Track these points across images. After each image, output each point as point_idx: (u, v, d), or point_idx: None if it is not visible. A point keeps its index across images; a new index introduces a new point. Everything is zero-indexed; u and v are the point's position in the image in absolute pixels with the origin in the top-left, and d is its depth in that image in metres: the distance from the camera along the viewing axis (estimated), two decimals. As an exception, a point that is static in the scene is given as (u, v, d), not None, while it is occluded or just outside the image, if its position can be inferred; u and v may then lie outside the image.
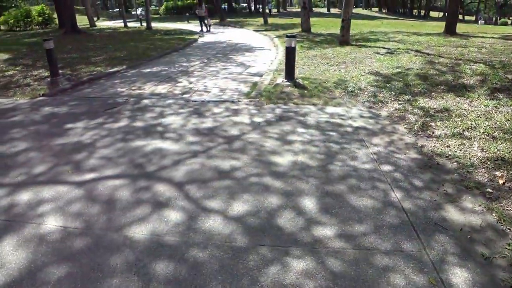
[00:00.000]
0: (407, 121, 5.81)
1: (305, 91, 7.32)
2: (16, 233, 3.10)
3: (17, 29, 27.77)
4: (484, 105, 6.33)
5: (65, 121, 5.96)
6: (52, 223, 3.24)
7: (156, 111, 6.35)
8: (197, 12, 24.87)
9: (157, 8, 59.49)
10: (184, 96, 7.33)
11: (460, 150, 4.74)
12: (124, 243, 2.96)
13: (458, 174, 4.15)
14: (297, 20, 24.50)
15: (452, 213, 3.41)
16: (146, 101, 6.91)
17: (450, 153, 4.66)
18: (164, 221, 3.25)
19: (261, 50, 14.51)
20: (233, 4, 58.12)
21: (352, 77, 8.51)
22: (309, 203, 3.54)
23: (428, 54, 11.40)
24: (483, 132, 5.24)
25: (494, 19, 59.68)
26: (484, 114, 5.93)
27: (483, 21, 54.36)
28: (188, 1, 51.29)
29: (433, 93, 7.11)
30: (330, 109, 6.38)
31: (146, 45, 16.08)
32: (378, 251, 2.90)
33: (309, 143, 4.95)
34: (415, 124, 5.65)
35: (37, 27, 28.57)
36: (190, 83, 8.54)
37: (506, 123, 5.54)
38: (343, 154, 4.62)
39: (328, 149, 4.78)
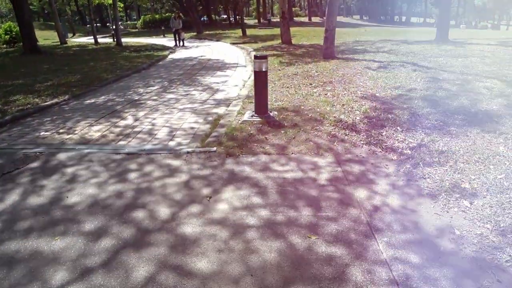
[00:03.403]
0: (427, 179, 4.00)
1: (282, 131, 5.48)
2: None
3: (-18, 49, 25.79)
4: (528, 147, 4.57)
5: None
6: None
7: (68, 173, 4.45)
8: (172, 25, 22.99)
9: (135, 22, 57.47)
10: (120, 143, 5.44)
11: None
12: None
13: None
14: (278, 31, 22.82)
15: None
16: (62, 156, 5.00)
17: (509, 250, 2.85)
18: None
19: (234, 68, 12.70)
20: (213, 16, 56.49)
21: (342, 104, 6.71)
22: None
23: (427, 67, 9.71)
24: (547, 201, 3.45)
25: (473, 23, 59.31)
26: (533, 163, 4.16)
27: (464, 25, 53.72)
28: (166, 15, 49.49)
29: (451, 128, 5.32)
30: (315, 161, 4.53)
31: (106, 65, 14.17)
32: None
33: (280, 241, 3.09)
34: (442, 185, 3.84)
35: (4, 46, 26.53)
36: (136, 120, 6.65)
37: None
38: (334, 273, 2.76)
39: (306, 262, 2.92)
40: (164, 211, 3.53)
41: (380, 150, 4.77)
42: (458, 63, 10.27)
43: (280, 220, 3.33)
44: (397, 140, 5.02)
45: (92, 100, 8.49)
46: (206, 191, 3.89)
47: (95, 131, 6.09)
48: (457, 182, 3.88)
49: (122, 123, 6.49)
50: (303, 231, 3.17)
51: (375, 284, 2.57)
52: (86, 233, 3.23)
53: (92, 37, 27.82)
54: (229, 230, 3.21)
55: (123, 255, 2.93)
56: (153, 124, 6.33)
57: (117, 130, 6.09)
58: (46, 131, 6.29)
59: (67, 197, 3.89)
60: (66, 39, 30.49)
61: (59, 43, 27.59)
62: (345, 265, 2.75)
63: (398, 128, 5.41)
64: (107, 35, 35.69)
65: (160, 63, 15.11)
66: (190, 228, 3.25)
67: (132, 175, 4.29)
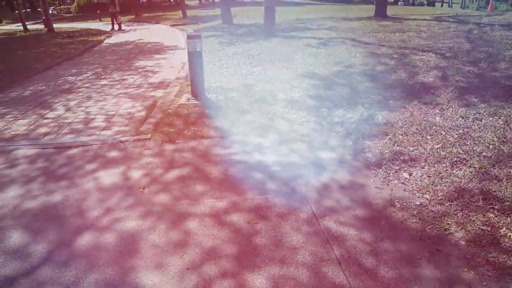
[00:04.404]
0: (367, 153, 3.97)
1: (219, 114, 5.27)
2: None
3: None
4: (461, 117, 4.65)
5: None
6: None
7: (-14, 173, 4.01)
8: (110, 9, 21.83)
9: (69, 6, 54.21)
10: (49, 137, 5.00)
11: (460, 209, 2.95)
12: None
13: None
14: (219, 11, 22.32)
15: None
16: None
17: (447, 219, 2.85)
18: None
19: (173, 50, 12.26)
20: (152, -3, 54.44)
21: (282, 82, 6.58)
22: None
23: (366, 43, 9.79)
24: (480, 168, 3.50)
25: (411, 0, 61.25)
26: (467, 132, 4.23)
27: (402, 2, 55.43)
28: (102, -3, 47.10)
29: (390, 101, 5.35)
30: (255, 142, 4.39)
31: (36, 53, 13.17)
32: None
33: (218, 229, 2.92)
34: (382, 158, 3.81)
35: None
36: (68, 109, 6.18)
37: (501, 147, 3.85)
38: (273, 249, 2.64)
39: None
40: (94, 207, 3.24)
41: (320, 126, 4.69)
42: (396, 38, 10.43)
43: (216, 206, 3.15)
44: (337, 115, 4.97)
45: (19, 92, 7.83)
46: (140, 181, 3.63)
47: (21, 125, 5.57)
48: (396, 154, 3.88)
49: (52, 114, 5.99)
50: (243, 216, 3.01)
51: (315, 263, 2.47)
52: (10, 240, 2.90)
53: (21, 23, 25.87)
54: (165, 221, 2.99)
55: (49, 260, 2.64)
56: (87, 113, 5.90)
57: (46, 122, 5.61)
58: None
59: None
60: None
61: (-17, 32, 25.45)
62: (285, 245, 2.63)
63: (338, 103, 5.36)
64: (38, 21, 33.42)
65: (95, 48, 14.31)
66: (122, 222, 3.00)
67: (60, 171, 3.93)
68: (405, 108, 5.06)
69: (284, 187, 3.40)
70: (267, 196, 3.27)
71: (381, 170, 3.62)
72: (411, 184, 3.37)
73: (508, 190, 3.14)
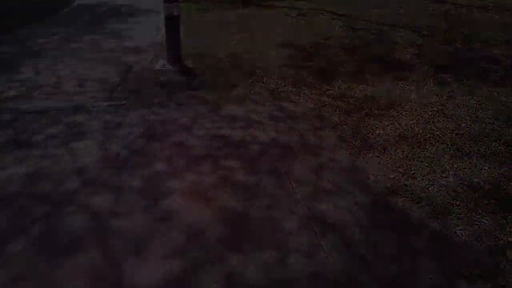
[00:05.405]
0: (343, 126, 3.99)
1: (196, 81, 5.16)
2: None
3: None
4: (436, 95, 4.73)
5: None
6: None
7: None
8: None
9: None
10: (16, 101, 4.75)
11: (431, 183, 3.04)
12: None
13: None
14: (195, -24, 21.61)
15: None
16: None
17: (419, 192, 2.93)
18: None
19: (148, 14, 11.83)
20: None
21: (260, 52, 6.49)
22: None
23: (345, 16, 9.73)
24: (451, 145, 3.59)
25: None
26: (441, 110, 4.31)
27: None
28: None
29: (367, 75, 5.37)
30: (229, 110, 4.34)
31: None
32: None
33: (193, 203, 2.91)
34: (358, 131, 3.85)
35: None
36: (37, 73, 5.88)
37: (472, 125, 3.96)
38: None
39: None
40: (66, 177, 3.13)
41: (298, 97, 4.68)
42: (374, 13, 10.40)
43: (191, 179, 3.13)
44: (314, 87, 4.96)
45: (-20, 52, 7.40)
46: (114, 148, 3.54)
47: (-16, 86, 5.29)
48: (372, 128, 3.92)
49: (21, 77, 5.64)
50: (219, 189, 3.00)
51: (293, 234, 2.50)
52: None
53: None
54: (144, 196, 2.93)
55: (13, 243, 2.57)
56: (58, 77, 5.62)
57: (15, 86, 5.29)
58: None
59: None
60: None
61: None
62: (264, 218, 2.65)
63: (311, 75, 5.34)
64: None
65: (65, 9, 13.58)
66: (99, 197, 2.91)
67: (29, 137, 3.75)
68: (382, 83, 5.09)
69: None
70: (239, 164, 3.27)
71: (356, 143, 3.65)
72: (386, 158, 3.42)
73: (477, 167, 3.24)
